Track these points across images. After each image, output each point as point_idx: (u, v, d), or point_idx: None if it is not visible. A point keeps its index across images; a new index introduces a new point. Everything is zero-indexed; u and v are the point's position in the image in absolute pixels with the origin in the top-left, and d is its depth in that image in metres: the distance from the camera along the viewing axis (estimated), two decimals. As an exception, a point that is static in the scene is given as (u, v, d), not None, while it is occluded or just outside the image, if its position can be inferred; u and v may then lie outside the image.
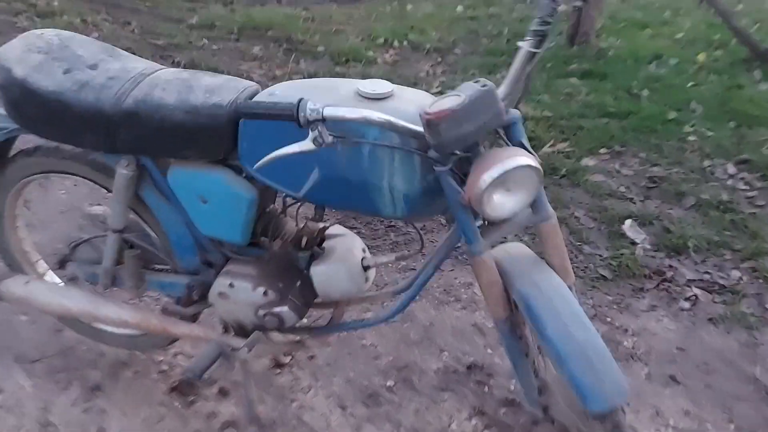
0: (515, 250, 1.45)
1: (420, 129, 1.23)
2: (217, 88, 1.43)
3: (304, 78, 4.26)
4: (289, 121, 1.18)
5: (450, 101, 1.19)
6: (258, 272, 1.59)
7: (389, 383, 1.99)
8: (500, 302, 1.39)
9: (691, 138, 3.47)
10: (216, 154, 1.44)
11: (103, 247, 1.67)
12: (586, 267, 2.55)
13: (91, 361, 2.03)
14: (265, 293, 1.56)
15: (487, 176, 1.20)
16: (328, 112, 1.18)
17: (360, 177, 1.34)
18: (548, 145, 3.34)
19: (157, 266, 1.72)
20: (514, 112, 1.33)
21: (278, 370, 2.00)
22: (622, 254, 2.59)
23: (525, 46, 1.29)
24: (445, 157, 1.25)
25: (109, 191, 1.59)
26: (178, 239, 1.64)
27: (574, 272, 2.53)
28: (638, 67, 4.43)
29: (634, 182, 3.11)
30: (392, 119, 1.21)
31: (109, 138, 1.42)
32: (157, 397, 1.92)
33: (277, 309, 1.56)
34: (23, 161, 1.63)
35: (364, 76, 4.31)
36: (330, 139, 1.19)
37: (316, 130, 1.18)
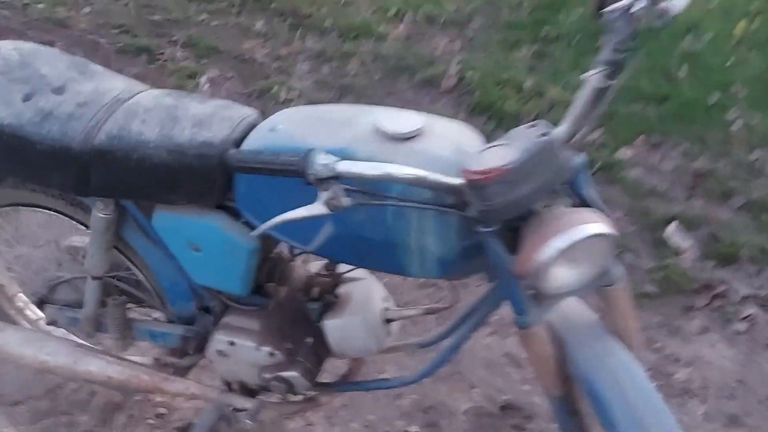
0: (573, 311, 1.20)
1: (458, 182, 0.98)
2: (207, 120, 1.17)
3: (310, 58, 4.00)
4: (295, 177, 0.93)
5: (500, 155, 0.93)
6: (262, 326, 1.36)
7: (413, 429, 1.77)
8: (554, 377, 1.15)
9: (736, 126, 3.16)
10: (207, 199, 1.19)
11: (85, 290, 1.43)
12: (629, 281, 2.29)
13: (81, 403, 1.82)
14: (271, 354, 1.33)
15: (550, 248, 0.94)
16: (344, 167, 0.92)
17: (382, 235, 1.09)
18: (578, 133, 3.05)
19: (147, 313, 1.49)
20: (578, 158, 1.06)
21: (288, 416, 1.78)
22: (667, 265, 2.34)
23: (593, 80, 1.02)
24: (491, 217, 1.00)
25: (88, 228, 1.35)
26: (170, 285, 1.41)
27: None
28: (672, 42, 4.08)
29: (676, 178, 2.83)
30: (423, 174, 0.95)
31: (80, 180, 1.17)
32: (152, 448, 1.72)
33: (285, 373, 1.33)
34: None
35: (375, 56, 4.01)
36: (347, 202, 0.94)
37: (330, 191, 0.93)
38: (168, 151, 1.13)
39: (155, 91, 1.25)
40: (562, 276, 0.99)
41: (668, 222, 2.54)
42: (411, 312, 1.37)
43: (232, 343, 1.34)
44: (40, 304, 1.53)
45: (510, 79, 3.55)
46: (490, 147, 0.96)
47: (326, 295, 1.36)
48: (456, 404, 1.84)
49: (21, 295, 1.68)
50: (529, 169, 0.92)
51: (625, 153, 2.97)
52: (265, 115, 3.37)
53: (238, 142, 1.15)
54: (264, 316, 1.37)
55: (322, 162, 0.91)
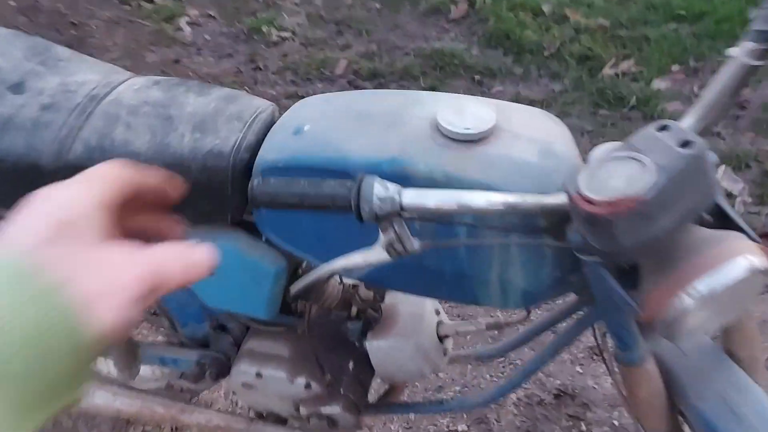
0: None
1: (555, 202, 0.73)
2: (210, 120, 0.90)
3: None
4: (345, 213, 0.69)
5: (626, 175, 0.67)
6: (293, 352, 1.14)
7: (461, 428, 1.59)
8: (662, 415, 0.94)
9: (780, 45, 2.87)
10: (219, 217, 0.94)
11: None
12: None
13: (87, 417, 1.62)
14: (307, 386, 1.12)
15: (695, 291, 0.70)
16: (410, 200, 0.68)
17: (450, 267, 0.85)
18: (609, 65, 2.76)
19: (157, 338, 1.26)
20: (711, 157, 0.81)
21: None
22: (717, 215, 2.11)
23: (740, 55, 0.75)
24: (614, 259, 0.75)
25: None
26: (178, 307, 1.18)
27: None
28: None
29: (719, 111, 2.57)
30: (511, 201, 0.70)
31: (54, 206, 0.91)
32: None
33: (325, 408, 1.12)
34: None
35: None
36: (416, 246, 0.72)
37: (392, 231, 0.71)
38: (165, 164, 0.87)
39: (139, 81, 0.97)
40: (702, 321, 0.76)
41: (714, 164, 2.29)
42: (470, 327, 1.14)
43: (259, 375, 1.13)
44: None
45: (526, 3, 3.21)
46: (611, 160, 0.70)
47: (368, 311, 1.14)
48: (504, 394, 1.65)
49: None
50: (671, 196, 0.66)
51: (660, 84, 2.69)
52: (256, 58, 3.03)
53: (253, 149, 0.89)
54: (294, 340, 1.15)
55: (381, 195, 0.67)
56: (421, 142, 0.83)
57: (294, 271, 1.11)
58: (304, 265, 1.11)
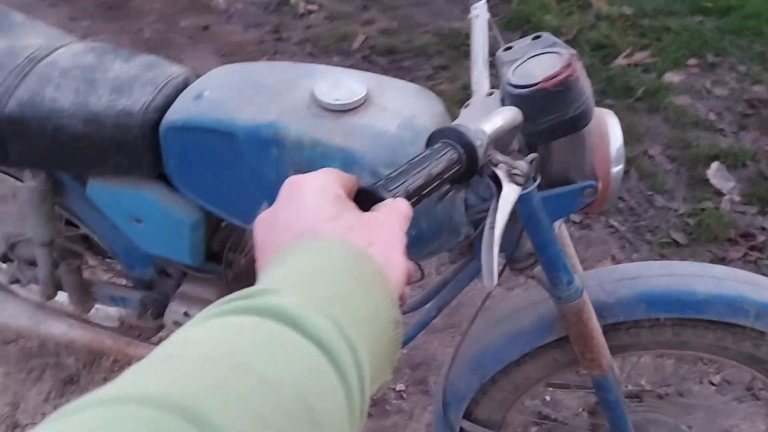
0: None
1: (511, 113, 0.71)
2: (127, 84, 1.02)
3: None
4: (466, 179, 0.61)
5: (547, 65, 0.75)
6: (218, 297, 1.25)
7: (399, 387, 1.69)
8: (605, 347, 1.00)
9: (808, 43, 2.78)
10: (138, 171, 1.06)
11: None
12: (655, 227, 2.09)
13: (66, 345, 1.81)
14: (226, 327, 1.24)
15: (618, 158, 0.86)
16: (491, 128, 0.64)
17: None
18: (624, 54, 2.74)
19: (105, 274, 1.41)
20: None
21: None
22: (703, 209, 2.11)
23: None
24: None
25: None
26: (124, 251, 1.32)
27: (641, 231, 2.10)
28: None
29: (728, 106, 2.52)
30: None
31: (-3, 150, 1.06)
32: (136, 397, 1.70)
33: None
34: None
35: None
36: (526, 166, 0.68)
37: (504, 165, 0.65)
38: (84, 121, 1.00)
39: (77, 46, 1.10)
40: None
41: (712, 159, 2.28)
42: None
43: (186, 314, 1.26)
44: (3, 260, 1.48)
45: (552, -13, 3.19)
46: (522, 62, 0.77)
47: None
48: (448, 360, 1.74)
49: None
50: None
51: (673, 77, 2.66)
52: (281, 29, 3.16)
53: (162, 110, 1.01)
54: (221, 286, 1.28)
55: (477, 141, 0.58)
56: (299, 110, 0.92)
57: (217, 223, 1.23)
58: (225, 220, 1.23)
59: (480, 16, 0.98)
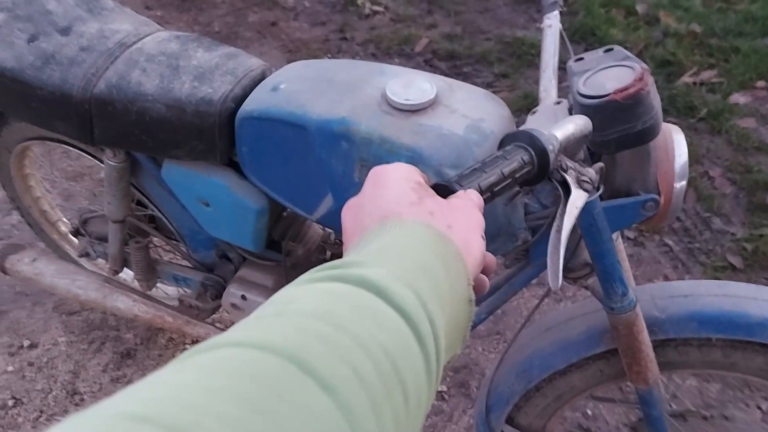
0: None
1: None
2: (209, 73, 1.07)
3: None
4: (535, 183, 0.63)
5: (616, 77, 0.77)
6: (274, 284, 1.31)
7: (441, 389, 1.71)
8: (653, 362, 1.02)
9: None
10: (211, 157, 1.12)
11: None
12: (710, 249, 2.06)
13: (129, 320, 1.89)
14: (280, 313, 1.29)
15: (682, 174, 0.86)
16: (562, 135, 0.67)
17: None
18: (689, 73, 2.69)
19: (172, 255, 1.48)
20: None
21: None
22: (761, 236, 2.07)
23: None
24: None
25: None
26: (190, 233, 1.38)
27: (696, 253, 2.07)
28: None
29: (796, 132, 2.47)
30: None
31: (83, 129, 1.13)
32: (187, 374, 1.77)
33: (292, 335, 1.28)
34: (16, 124, 1.38)
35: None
36: (594, 173, 0.71)
37: (572, 171, 0.68)
38: (166, 106, 1.06)
39: (162, 34, 1.16)
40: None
41: (774, 184, 2.23)
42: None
43: (244, 297, 1.31)
44: (75, 234, 1.56)
45: (620, 0, 3.17)
46: (593, 73, 0.79)
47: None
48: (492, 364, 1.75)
49: (65, 220, 1.72)
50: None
51: (739, 98, 2.61)
52: (346, 29, 3.21)
53: (239, 100, 1.06)
54: (278, 273, 1.32)
55: (549, 146, 0.60)
56: (369, 107, 0.96)
57: (280, 213, 1.28)
58: (287, 210, 1.28)
59: (553, 26, 1.00)
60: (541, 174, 0.59)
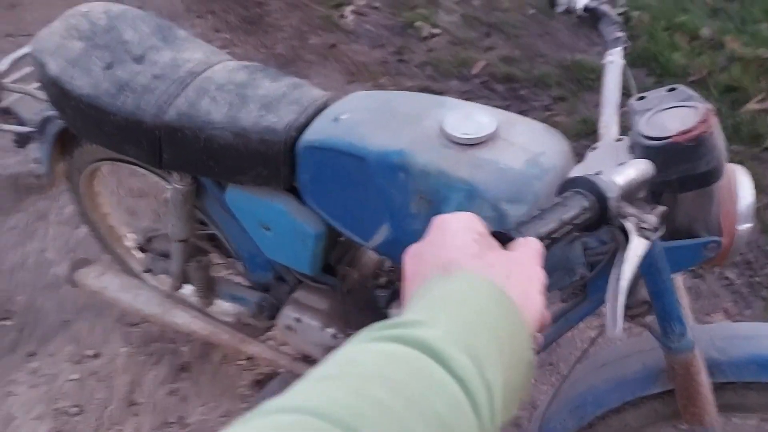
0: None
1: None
2: (275, 102, 1.11)
3: None
4: (595, 228, 0.63)
5: (680, 117, 0.76)
6: (329, 308, 1.33)
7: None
8: (711, 404, 0.99)
9: None
10: (274, 183, 1.15)
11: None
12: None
13: (186, 335, 1.95)
14: (334, 336, 1.31)
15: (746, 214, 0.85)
16: (623, 181, 0.67)
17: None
18: (755, 100, 2.62)
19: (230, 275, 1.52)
20: None
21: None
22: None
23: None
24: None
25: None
26: (248, 255, 1.42)
27: (757, 287, 2.00)
28: None
29: None
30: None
31: (153, 154, 1.18)
32: (240, 390, 1.81)
33: (345, 359, 1.30)
34: (88, 146, 1.45)
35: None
36: (656, 220, 0.69)
37: (633, 216, 0.66)
38: (233, 134, 1.10)
39: (231, 64, 1.20)
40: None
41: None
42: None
43: (298, 320, 1.34)
44: (140, 250, 1.63)
45: (684, 24, 3.11)
46: (655, 113, 0.79)
47: (396, 283, 1.30)
48: (545, 397, 1.73)
49: (130, 235, 1.79)
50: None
51: (808, 126, 2.51)
52: (404, 51, 3.25)
53: (302, 129, 1.09)
54: (332, 297, 1.34)
55: (610, 193, 0.61)
56: (428, 140, 0.97)
57: (336, 238, 1.30)
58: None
59: (615, 62, 1.00)
60: (601, 221, 0.60)
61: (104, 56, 1.19)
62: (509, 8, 3.52)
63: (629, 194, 0.68)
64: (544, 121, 1.00)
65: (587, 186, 0.60)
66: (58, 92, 1.19)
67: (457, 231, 0.50)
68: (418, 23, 3.37)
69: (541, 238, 0.54)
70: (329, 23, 3.51)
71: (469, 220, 0.52)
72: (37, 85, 1.39)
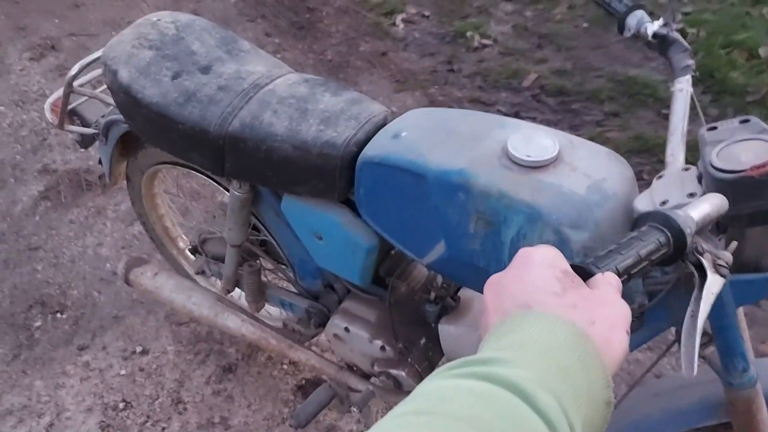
0: None
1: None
2: (334, 117, 1.12)
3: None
4: (670, 263, 0.64)
5: (758, 152, 0.75)
6: (377, 319, 1.34)
7: None
8: None
9: None
10: (328, 195, 1.17)
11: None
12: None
13: (232, 336, 1.98)
14: (382, 348, 1.32)
15: None
16: (699, 215, 0.66)
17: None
18: None
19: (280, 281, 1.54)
20: None
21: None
22: None
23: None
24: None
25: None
26: (300, 262, 1.44)
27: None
28: None
29: None
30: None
31: (216, 162, 1.21)
32: (283, 394, 1.83)
33: (394, 371, 1.31)
34: (151, 149, 1.49)
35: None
36: (729, 254, 0.69)
37: (708, 254, 0.66)
38: (293, 146, 1.12)
39: (293, 77, 1.22)
40: None
41: None
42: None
43: (347, 330, 1.35)
44: (193, 252, 1.66)
45: (743, 42, 3.03)
46: (727, 145, 0.77)
47: (446, 299, 1.30)
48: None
49: (183, 237, 1.84)
50: None
51: None
52: (454, 60, 3.24)
53: (361, 144, 1.10)
54: (381, 309, 1.35)
55: (687, 229, 0.60)
56: (489, 161, 0.97)
57: (388, 251, 1.31)
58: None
59: (683, 90, 0.98)
60: (676, 256, 0.59)
61: (172, 66, 1.22)
62: (562, 20, 3.48)
63: (701, 228, 0.67)
64: (595, 136, 0.99)
65: (664, 221, 0.59)
66: (127, 99, 1.23)
67: (540, 266, 0.50)
68: (469, 33, 3.36)
69: (619, 274, 0.54)
70: (379, 30, 3.53)
71: (554, 257, 0.52)
72: (103, 88, 1.43)
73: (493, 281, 0.53)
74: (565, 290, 0.48)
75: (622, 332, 0.48)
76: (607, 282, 0.52)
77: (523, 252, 0.52)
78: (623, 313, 0.49)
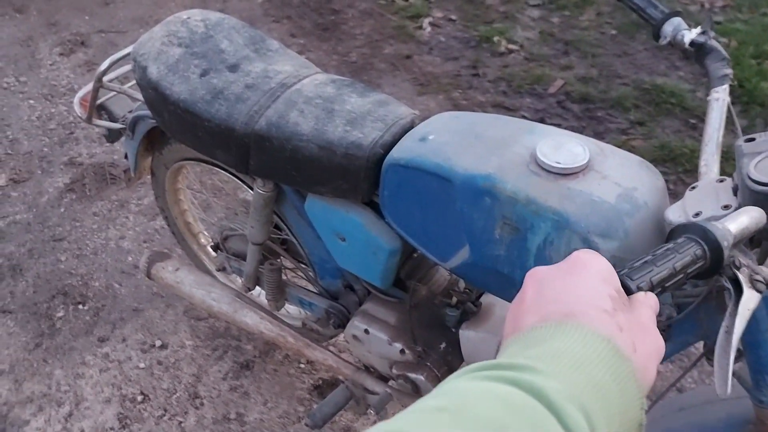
0: None
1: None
2: (360, 118, 1.12)
3: (541, 4, 3.67)
4: (707, 276, 0.62)
5: None
6: (397, 321, 1.34)
7: None
8: None
9: None
10: (354, 196, 1.16)
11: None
12: None
13: (250, 333, 1.99)
14: (402, 351, 1.31)
15: None
16: (736, 228, 0.65)
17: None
18: None
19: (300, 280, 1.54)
20: None
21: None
22: None
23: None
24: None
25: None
26: (320, 262, 1.44)
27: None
28: None
29: None
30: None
31: (241, 160, 1.21)
32: (299, 393, 1.83)
33: (412, 374, 1.30)
34: (177, 145, 1.50)
35: (615, 7, 3.59)
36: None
37: (745, 268, 0.65)
38: (319, 146, 1.12)
39: (320, 77, 1.22)
40: None
41: None
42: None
43: (366, 331, 1.35)
44: (214, 249, 1.67)
45: (773, 52, 2.99)
46: (765, 157, 0.75)
47: (467, 303, 1.29)
48: None
49: (205, 233, 1.84)
50: None
51: None
52: (478, 65, 3.23)
53: (388, 146, 1.10)
54: (401, 311, 1.35)
55: (724, 242, 0.59)
56: (517, 166, 0.96)
57: (410, 254, 1.31)
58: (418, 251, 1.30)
59: (720, 100, 0.96)
60: (713, 270, 0.58)
61: (201, 64, 1.23)
62: (588, 26, 3.46)
63: (738, 242, 0.66)
64: (620, 144, 0.97)
65: (701, 233, 0.58)
66: (156, 96, 1.23)
67: (593, 278, 0.48)
68: (495, 38, 3.35)
69: (653, 286, 0.53)
70: (403, 33, 3.53)
71: (609, 272, 0.49)
72: (131, 84, 1.44)
73: (538, 275, 0.50)
74: (615, 311, 0.46)
75: (656, 364, 0.47)
76: (648, 305, 0.50)
77: (579, 256, 0.50)
78: (660, 345, 0.48)
